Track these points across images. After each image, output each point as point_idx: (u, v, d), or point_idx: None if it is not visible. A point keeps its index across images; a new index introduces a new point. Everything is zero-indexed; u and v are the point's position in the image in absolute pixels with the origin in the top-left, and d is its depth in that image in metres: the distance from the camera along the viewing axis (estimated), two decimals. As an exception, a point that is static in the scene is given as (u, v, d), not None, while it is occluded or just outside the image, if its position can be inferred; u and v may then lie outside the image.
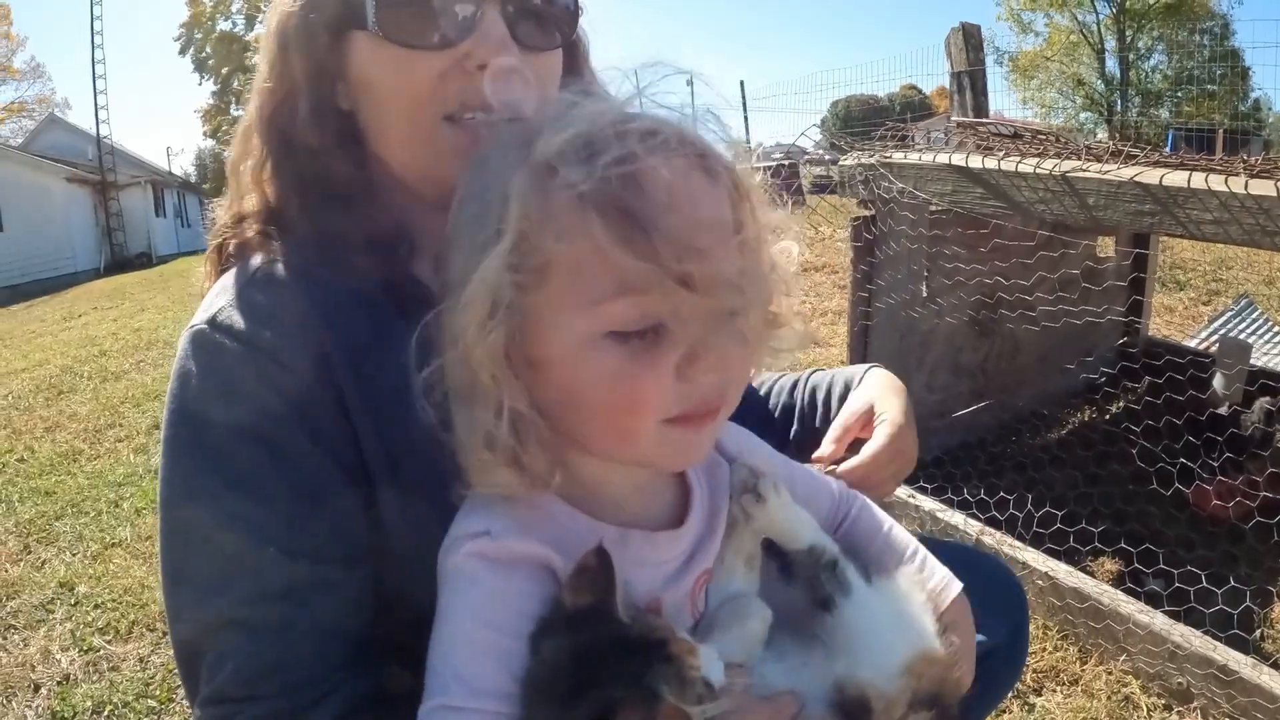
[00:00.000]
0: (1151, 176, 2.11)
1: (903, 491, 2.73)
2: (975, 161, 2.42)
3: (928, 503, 2.72)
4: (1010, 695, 2.19)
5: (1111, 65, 32.17)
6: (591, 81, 1.02)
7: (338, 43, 0.90)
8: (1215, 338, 5.33)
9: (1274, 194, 1.93)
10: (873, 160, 2.68)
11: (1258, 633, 2.45)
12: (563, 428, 0.76)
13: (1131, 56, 31.50)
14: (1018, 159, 2.33)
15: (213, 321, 0.88)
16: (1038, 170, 2.25)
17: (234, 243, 0.98)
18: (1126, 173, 2.14)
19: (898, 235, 2.72)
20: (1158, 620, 2.21)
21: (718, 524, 0.89)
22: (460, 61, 0.87)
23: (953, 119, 4.23)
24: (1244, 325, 5.59)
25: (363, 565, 0.89)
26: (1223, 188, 1.99)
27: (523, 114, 0.81)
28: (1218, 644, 2.15)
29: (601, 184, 0.66)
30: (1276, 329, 5.79)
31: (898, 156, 2.64)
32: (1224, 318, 5.68)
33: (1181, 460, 2.86)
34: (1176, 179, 2.07)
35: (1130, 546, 2.66)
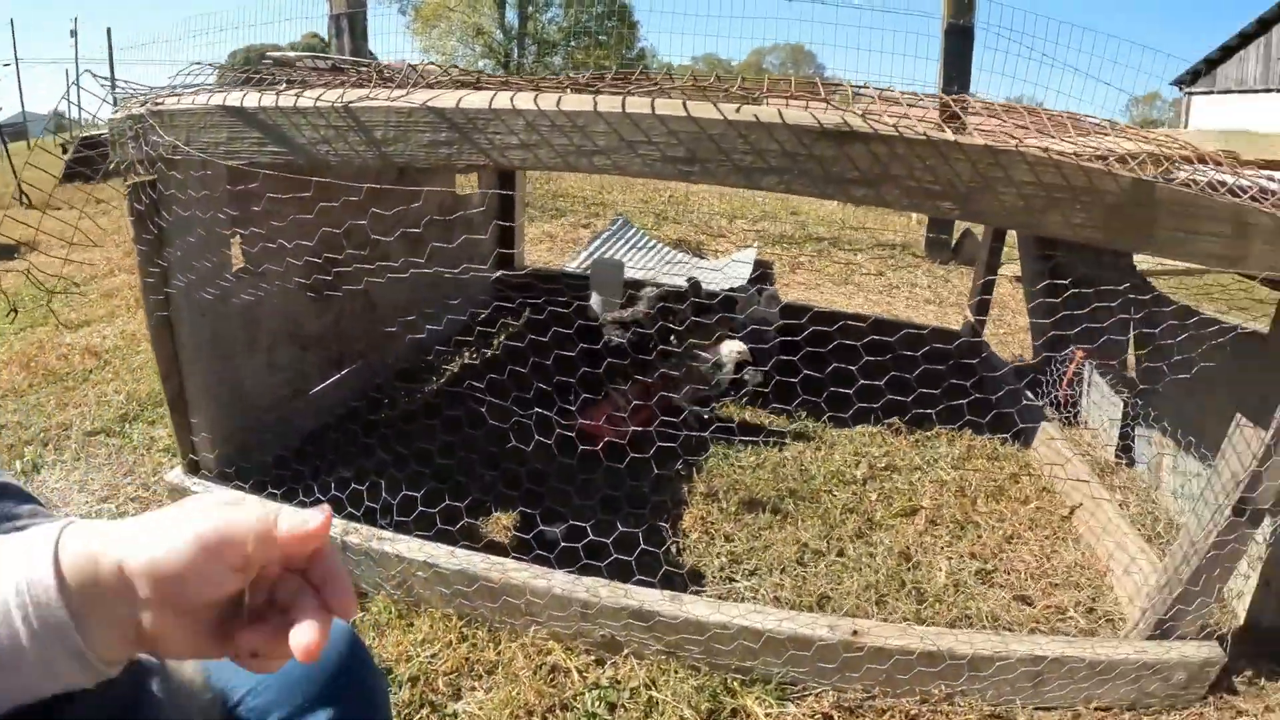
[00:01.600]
0: (447, 100, 1.84)
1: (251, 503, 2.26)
2: (251, 100, 1.95)
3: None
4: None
5: (511, 16, 34.36)
6: None
7: None
8: (593, 259, 5.70)
9: (589, 109, 1.78)
10: (141, 111, 2.08)
11: (668, 562, 2.45)
12: None
13: (531, 9, 33.91)
14: (297, 92, 1.92)
15: None
16: (318, 104, 1.87)
17: None
18: (418, 97, 1.84)
19: (190, 200, 2.17)
20: (557, 582, 2.07)
21: None
22: None
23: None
24: (621, 243, 6.05)
25: None
26: (530, 106, 1.80)
27: None
28: (627, 588, 2.08)
29: None
30: (654, 241, 6.40)
31: (170, 103, 2.07)
32: (602, 237, 6.07)
33: (557, 402, 2.80)
34: (476, 100, 1.84)
35: (523, 495, 2.53)
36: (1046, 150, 1.72)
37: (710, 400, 3.43)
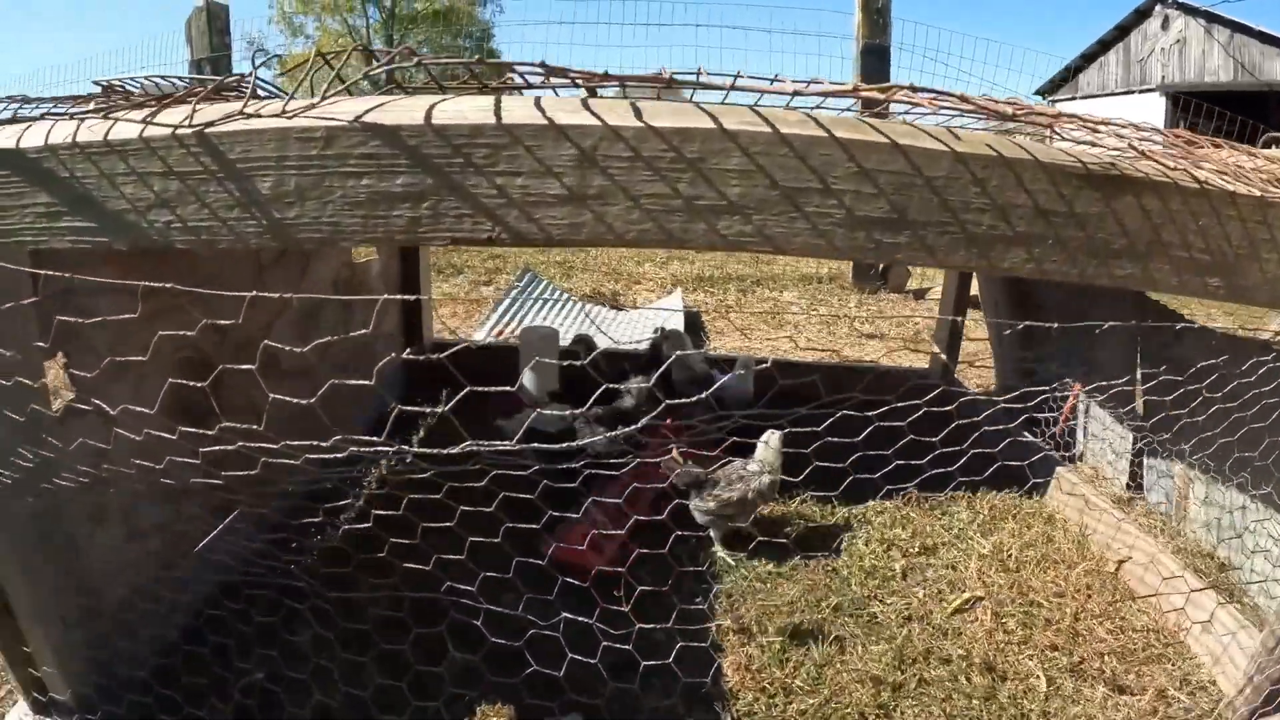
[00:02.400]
0: (406, 111, 1.07)
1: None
2: (35, 137, 1.15)
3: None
4: None
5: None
6: None
7: None
8: (509, 322, 5.04)
9: (708, 125, 1.04)
10: None
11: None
12: None
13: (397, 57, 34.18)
14: (109, 118, 1.14)
15: None
16: (147, 134, 1.09)
17: None
18: (345, 109, 1.09)
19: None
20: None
21: None
22: None
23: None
24: (532, 302, 5.43)
25: None
26: (587, 119, 1.03)
27: None
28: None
29: None
30: (565, 294, 5.77)
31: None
32: (509, 295, 5.47)
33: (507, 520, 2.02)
34: (468, 110, 1.05)
35: (523, 668, 1.80)
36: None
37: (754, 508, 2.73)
